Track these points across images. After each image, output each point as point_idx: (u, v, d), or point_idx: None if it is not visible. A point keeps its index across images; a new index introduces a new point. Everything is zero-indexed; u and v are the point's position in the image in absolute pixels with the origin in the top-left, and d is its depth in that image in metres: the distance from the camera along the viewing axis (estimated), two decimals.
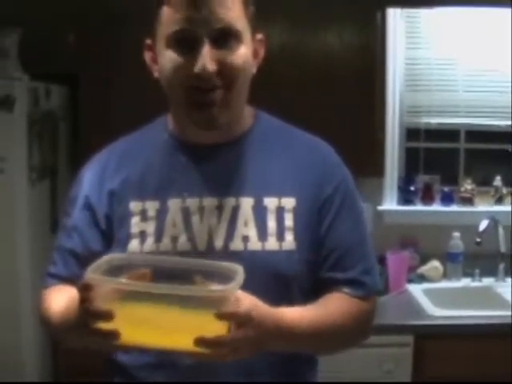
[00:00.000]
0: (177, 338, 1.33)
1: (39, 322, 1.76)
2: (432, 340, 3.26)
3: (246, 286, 1.37)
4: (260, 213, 1.62)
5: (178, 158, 1.69)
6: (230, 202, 1.63)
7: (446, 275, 3.94)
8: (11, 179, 3.12)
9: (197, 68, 1.52)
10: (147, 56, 1.68)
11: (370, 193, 3.91)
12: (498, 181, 4.10)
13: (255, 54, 1.67)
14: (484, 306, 3.46)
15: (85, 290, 1.34)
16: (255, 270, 1.47)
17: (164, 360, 1.56)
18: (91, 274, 1.34)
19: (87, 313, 1.34)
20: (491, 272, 3.91)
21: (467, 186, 4.08)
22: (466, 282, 3.91)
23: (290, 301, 1.58)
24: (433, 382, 3.26)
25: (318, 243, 1.66)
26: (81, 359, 2.84)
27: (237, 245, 1.60)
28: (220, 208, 1.62)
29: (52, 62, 3.45)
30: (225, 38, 1.55)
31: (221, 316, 1.32)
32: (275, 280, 1.59)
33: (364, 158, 3.42)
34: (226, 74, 1.56)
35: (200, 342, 1.30)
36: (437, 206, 4.12)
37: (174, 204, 1.64)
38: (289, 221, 1.63)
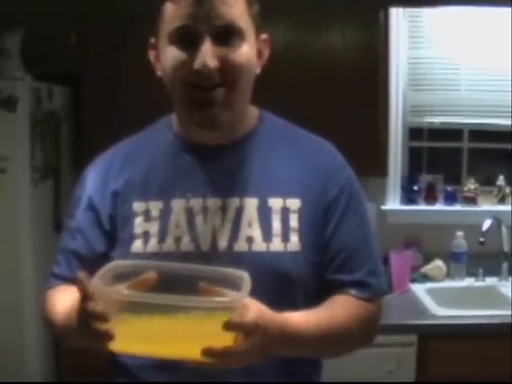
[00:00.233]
0: (183, 347, 1.32)
1: (42, 322, 1.76)
2: (435, 339, 3.26)
3: (250, 288, 1.35)
4: (264, 213, 1.61)
5: (182, 158, 1.68)
6: (234, 202, 1.62)
7: (449, 275, 3.94)
8: (14, 179, 3.12)
9: (197, 64, 1.51)
10: (151, 55, 1.67)
11: (373, 192, 3.91)
12: (501, 180, 4.09)
13: (259, 54, 1.66)
14: (487, 306, 3.45)
15: (88, 296, 1.33)
16: (259, 271, 1.47)
17: (166, 361, 1.56)
18: (98, 281, 1.33)
19: (85, 313, 1.33)
20: (494, 271, 3.90)
21: (470, 185, 4.07)
22: (469, 281, 3.91)
23: (293, 302, 1.58)
24: (436, 382, 3.26)
25: (323, 245, 1.65)
26: (83, 359, 2.85)
27: (241, 246, 1.59)
28: (224, 208, 1.61)
29: (54, 63, 3.45)
30: (227, 35, 1.54)
31: (228, 326, 1.30)
32: (279, 281, 1.58)
33: (367, 157, 3.42)
34: (228, 71, 1.54)
35: (208, 353, 1.29)
36: (440, 206, 4.12)
37: (177, 204, 1.63)
38: (294, 222, 1.62)
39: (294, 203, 1.63)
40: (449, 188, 4.12)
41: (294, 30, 3.53)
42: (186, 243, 1.60)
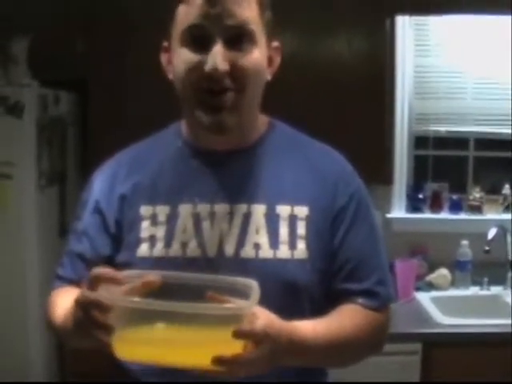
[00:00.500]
0: (192, 355, 1.32)
1: (46, 325, 1.76)
2: (440, 348, 3.25)
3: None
4: (272, 220, 1.61)
5: (190, 163, 1.68)
6: (242, 208, 1.61)
7: (454, 283, 3.93)
8: (20, 185, 3.14)
9: (208, 67, 1.52)
10: (163, 58, 1.67)
11: (379, 200, 3.90)
12: (506, 189, 4.09)
13: (270, 61, 1.66)
14: (492, 315, 3.45)
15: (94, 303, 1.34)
16: (266, 277, 1.46)
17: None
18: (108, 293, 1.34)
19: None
20: (499, 280, 3.89)
21: (476, 194, 4.07)
22: (474, 290, 3.90)
23: (300, 311, 1.57)
24: None
25: (331, 253, 1.64)
26: (87, 362, 2.85)
27: (248, 252, 1.58)
28: (231, 214, 1.61)
29: (61, 68, 3.46)
30: (238, 38, 1.54)
31: (238, 334, 1.30)
32: (286, 289, 1.57)
33: (373, 165, 3.41)
34: (237, 76, 1.54)
35: (217, 360, 1.29)
36: (445, 214, 4.12)
37: (184, 209, 1.63)
38: (301, 229, 1.61)
39: (302, 211, 1.63)
40: (454, 196, 4.12)
41: (300, 38, 3.54)
42: (193, 248, 1.60)
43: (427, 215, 4.12)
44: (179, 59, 1.58)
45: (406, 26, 3.94)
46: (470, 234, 3.92)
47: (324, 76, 3.51)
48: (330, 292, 1.65)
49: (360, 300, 1.64)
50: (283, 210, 1.62)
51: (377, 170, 3.52)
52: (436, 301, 3.68)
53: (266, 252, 1.58)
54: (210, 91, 1.55)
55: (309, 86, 3.47)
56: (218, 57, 1.51)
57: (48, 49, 3.42)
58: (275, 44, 1.68)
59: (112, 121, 3.47)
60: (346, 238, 1.65)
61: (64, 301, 1.62)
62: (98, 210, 1.70)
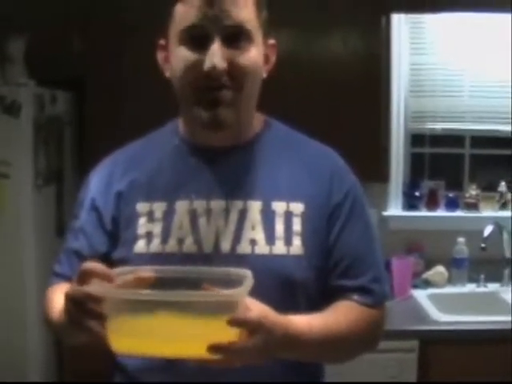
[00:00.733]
0: (187, 345, 1.33)
1: (44, 322, 1.77)
2: (437, 345, 3.26)
3: (253, 290, 1.36)
4: (268, 216, 1.62)
5: (187, 160, 1.70)
6: (238, 204, 1.63)
7: (450, 281, 3.94)
8: (17, 184, 3.14)
9: (206, 65, 1.54)
10: (159, 56, 1.69)
11: (375, 198, 3.91)
12: (502, 186, 4.09)
13: (266, 59, 1.68)
14: (489, 312, 3.46)
15: (90, 299, 1.34)
16: (262, 273, 1.46)
17: (168, 363, 1.56)
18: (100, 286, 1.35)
19: (80, 295, 1.34)
20: (496, 277, 3.91)
21: (472, 191, 4.08)
22: (470, 287, 3.91)
23: (296, 306, 1.58)
24: None
25: (327, 250, 1.66)
26: (85, 360, 2.85)
27: (244, 248, 1.60)
28: (227, 211, 1.62)
29: (58, 68, 3.46)
30: (236, 37, 1.57)
31: (233, 322, 1.31)
32: (282, 284, 1.59)
33: (369, 163, 3.41)
34: (235, 74, 1.57)
35: (214, 348, 1.30)
36: (441, 212, 4.13)
37: (181, 206, 1.64)
38: (297, 225, 1.63)
39: (298, 207, 1.64)
40: (450, 194, 4.13)
41: (296, 36, 3.54)
42: (189, 244, 1.61)
43: (423, 213, 4.12)
44: (177, 57, 1.60)
45: (401, 24, 3.95)
46: (466, 232, 3.93)
47: (320, 74, 3.52)
48: (326, 288, 1.66)
49: (355, 296, 1.65)
50: (279, 206, 1.63)
51: (373, 167, 3.52)
52: (433, 298, 3.69)
53: (262, 248, 1.60)
54: (208, 88, 1.57)
55: (305, 85, 3.47)
56: (216, 55, 1.54)
57: (45, 48, 3.42)
58: (271, 42, 1.70)
59: (109, 120, 3.47)
60: (341, 235, 1.66)
61: (60, 297, 1.61)
62: (94, 208, 1.72)
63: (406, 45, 4.00)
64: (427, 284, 3.91)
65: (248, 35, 1.59)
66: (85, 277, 1.36)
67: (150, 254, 1.62)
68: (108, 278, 1.37)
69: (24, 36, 3.34)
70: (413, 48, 4.04)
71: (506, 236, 3.89)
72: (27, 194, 3.16)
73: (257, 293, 1.38)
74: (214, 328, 1.31)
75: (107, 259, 1.62)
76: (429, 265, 3.95)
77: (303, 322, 1.52)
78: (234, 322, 1.32)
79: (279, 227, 1.62)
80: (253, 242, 1.60)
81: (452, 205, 4.10)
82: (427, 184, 4.14)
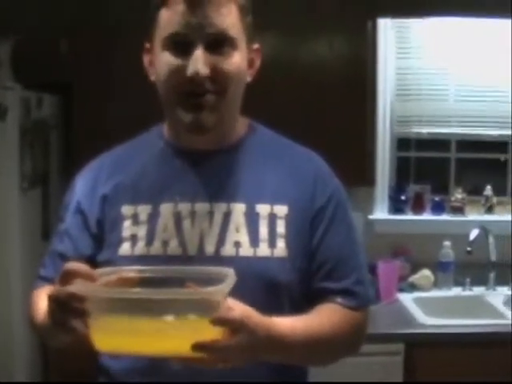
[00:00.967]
0: (170, 344, 1.33)
1: (30, 327, 1.77)
2: (423, 348, 3.27)
3: (237, 292, 1.36)
4: (252, 219, 1.63)
5: (172, 163, 1.71)
6: (222, 207, 1.63)
7: (436, 284, 3.95)
8: (3, 187, 3.13)
9: (189, 71, 1.55)
10: (145, 59, 1.71)
11: (361, 202, 3.92)
12: (488, 190, 4.11)
13: (251, 63, 1.69)
14: (474, 315, 3.48)
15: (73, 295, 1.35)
16: (246, 275, 1.47)
17: (151, 365, 1.56)
18: (83, 286, 1.35)
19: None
20: (482, 281, 3.92)
21: (458, 195, 4.09)
22: (456, 290, 3.92)
23: (279, 308, 1.58)
24: None
25: (311, 253, 1.66)
26: (71, 360, 2.84)
27: (228, 250, 1.60)
28: (212, 213, 1.63)
29: (45, 71, 3.45)
30: (219, 43, 1.58)
31: (216, 321, 1.31)
32: (266, 286, 1.59)
33: (355, 167, 3.43)
34: (219, 79, 1.58)
35: (197, 346, 1.30)
36: (427, 215, 4.14)
37: (165, 208, 1.65)
38: (281, 228, 1.63)
39: (282, 210, 1.65)
40: (436, 198, 4.14)
41: (282, 40, 3.55)
42: (174, 247, 1.62)
43: (409, 216, 4.14)
44: (161, 62, 1.61)
45: (387, 28, 3.96)
46: (452, 235, 3.94)
47: (306, 78, 3.52)
48: (310, 291, 1.67)
49: (339, 299, 1.66)
50: (263, 208, 1.64)
51: (359, 171, 3.54)
52: (418, 301, 3.70)
53: (246, 250, 1.60)
54: (191, 93, 1.58)
55: (290, 88, 3.47)
56: (199, 61, 1.55)
57: (32, 51, 3.41)
58: (255, 46, 1.71)
59: (95, 124, 3.47)
60: (324, 238, 1.67)
61: (45, 300, 1.61)
62: (79, 211, 1.72)
63: (392, 49, 4.02)
64: (413, 287, 3.92)
65: (231, 41, 1.60)
66: (68, 277, 1.37)
67: (134, 257, 1.63)
68: (91, 278, 1.38)
69: (10, 39, 3.33)
70: (399, 52, 4.05)
71: (491, 240, 3.90)
72: (13, 197, 3.15)
73: (241, 295, 1.38)
74: (196, 327, 1.32)
75: (92, 262, 1.62)
76: (415, 268, 3.96)
77: (287, 323, 1.52)
78: (217, 321, 1.32)
79: (263, 229, 1.62)
80: (237, 245, 1.61)
81: (438, 208, 4.11)
82: (413, 188, 4.16)
